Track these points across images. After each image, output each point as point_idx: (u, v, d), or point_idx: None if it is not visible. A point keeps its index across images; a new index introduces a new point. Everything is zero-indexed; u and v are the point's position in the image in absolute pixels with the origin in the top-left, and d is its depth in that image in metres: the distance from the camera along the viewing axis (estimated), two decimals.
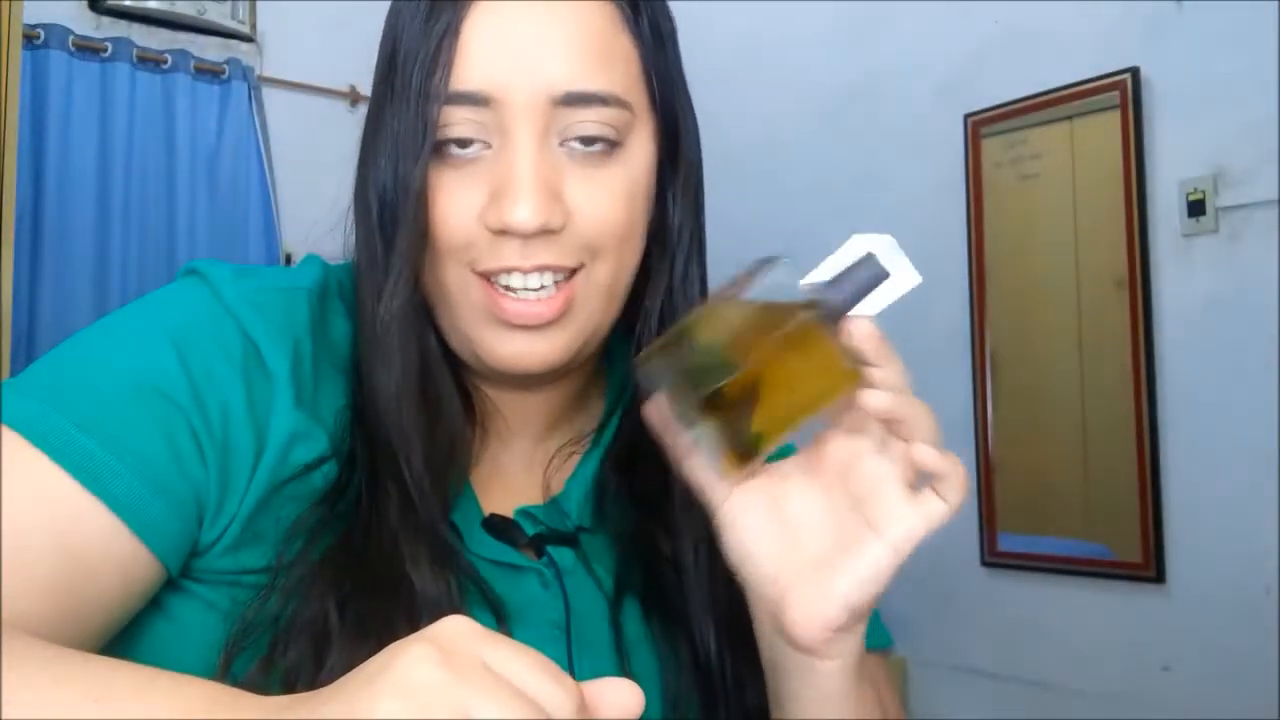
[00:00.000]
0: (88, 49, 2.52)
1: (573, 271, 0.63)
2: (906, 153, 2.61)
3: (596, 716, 0.39)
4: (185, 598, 0.59)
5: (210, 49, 2.71)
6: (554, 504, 0.69)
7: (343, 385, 0.64)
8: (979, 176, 2.46)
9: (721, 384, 0.54)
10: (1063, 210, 2.31)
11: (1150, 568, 2.13)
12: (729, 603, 0.66)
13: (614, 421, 0.72)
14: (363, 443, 0.62)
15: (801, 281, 0.58)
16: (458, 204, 0.61)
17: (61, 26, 2.49)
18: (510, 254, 0.61)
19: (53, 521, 0.53)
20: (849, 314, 0.57)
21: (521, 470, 0.71)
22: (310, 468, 0.61)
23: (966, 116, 2.48)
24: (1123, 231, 2.19)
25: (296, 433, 0.60)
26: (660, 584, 0.68)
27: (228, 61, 2.70)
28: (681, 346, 0.57)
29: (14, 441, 0.54)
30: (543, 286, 0.62)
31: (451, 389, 0.65)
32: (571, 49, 0.61)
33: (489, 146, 0.61)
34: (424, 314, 0.64)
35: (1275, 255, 2.00)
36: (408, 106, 0.60)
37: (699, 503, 0.61)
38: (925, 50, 2.57)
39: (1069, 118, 2.31)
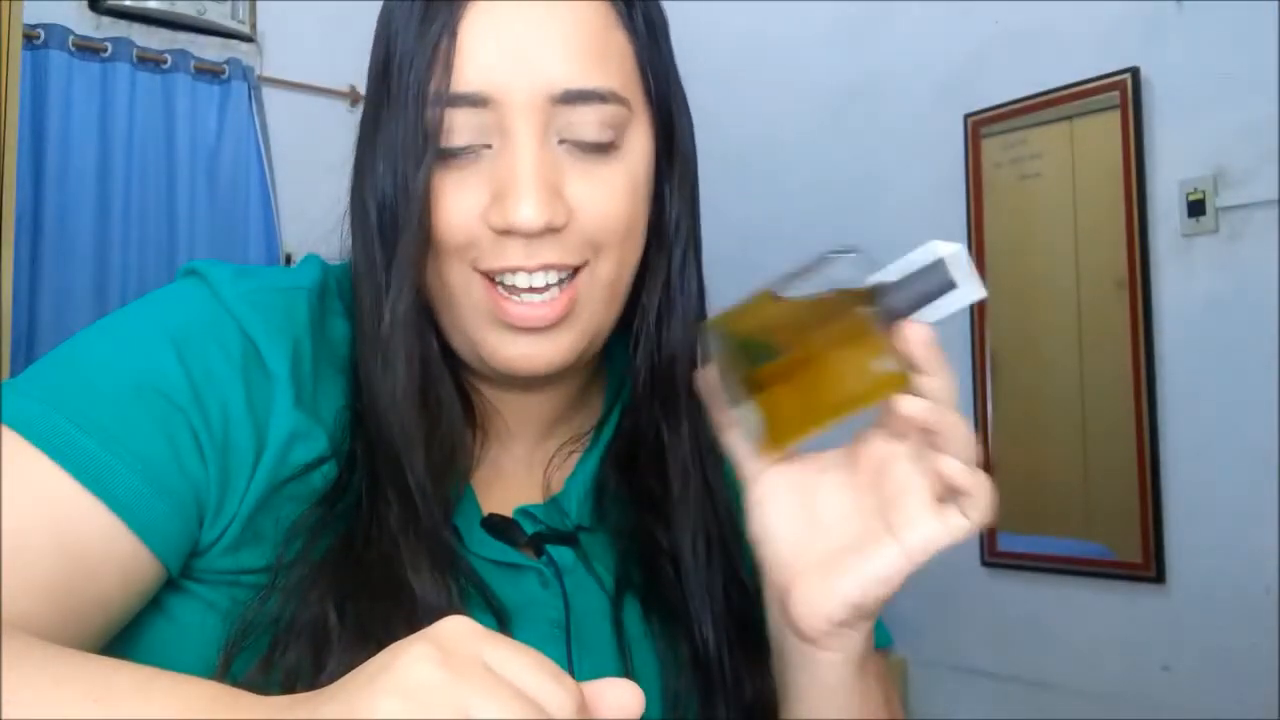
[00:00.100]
0: (88, 49, 2.52)
1: (576, 270, 0.63)
2: (907, 153, 2.61)
3: (596, 716, 0.39)
4: (185, 598, 0.59)
5: (210, 49, 2.71)
6: (553, 503, 0.69)
7: (342, 385, 0.64)
8: (979, 176, 2.46)
9: (764, 365, 0.56)
10: (1063, 210, 2.31)
11: (1150, 568, 2.13)
12: (728, 598, 0.67)
13: (613, 419, 0.72)
14: (363, 445, 0.62)
15: (868, 279, 0.58)
16: (459, 204, 0.61)
17: (61, 26, 2.49)
18: (514, 254, 0.61)
19: (53, 521, 0.53)
20: (908, 318, 0.56)
21: (521, 470, 0.71)
22: (310, 467, 0.61)
23: (966, 116, 2.48)
24: (1123, 231, 2.19)
25: (296, 432, 0.60)
26: (660, 581, 0.68)
27: (228, 61, 2.70)
28: (741, 322, 0.58)
29: (14, 442, 0.54)
30: (547, 286, 0.62)
31: (452, 392, 0.65)
32: (569, 47, 0.61)
33: (489, 146, 0.61)
34: (425, 317, 0.64)
35: (1275, 255, 2.00)
36: (406, 110, 0.60)
37: (698, 496, 0.61)
38: (925, 50, 2.57)
39: (1069, 118, 2.31)
